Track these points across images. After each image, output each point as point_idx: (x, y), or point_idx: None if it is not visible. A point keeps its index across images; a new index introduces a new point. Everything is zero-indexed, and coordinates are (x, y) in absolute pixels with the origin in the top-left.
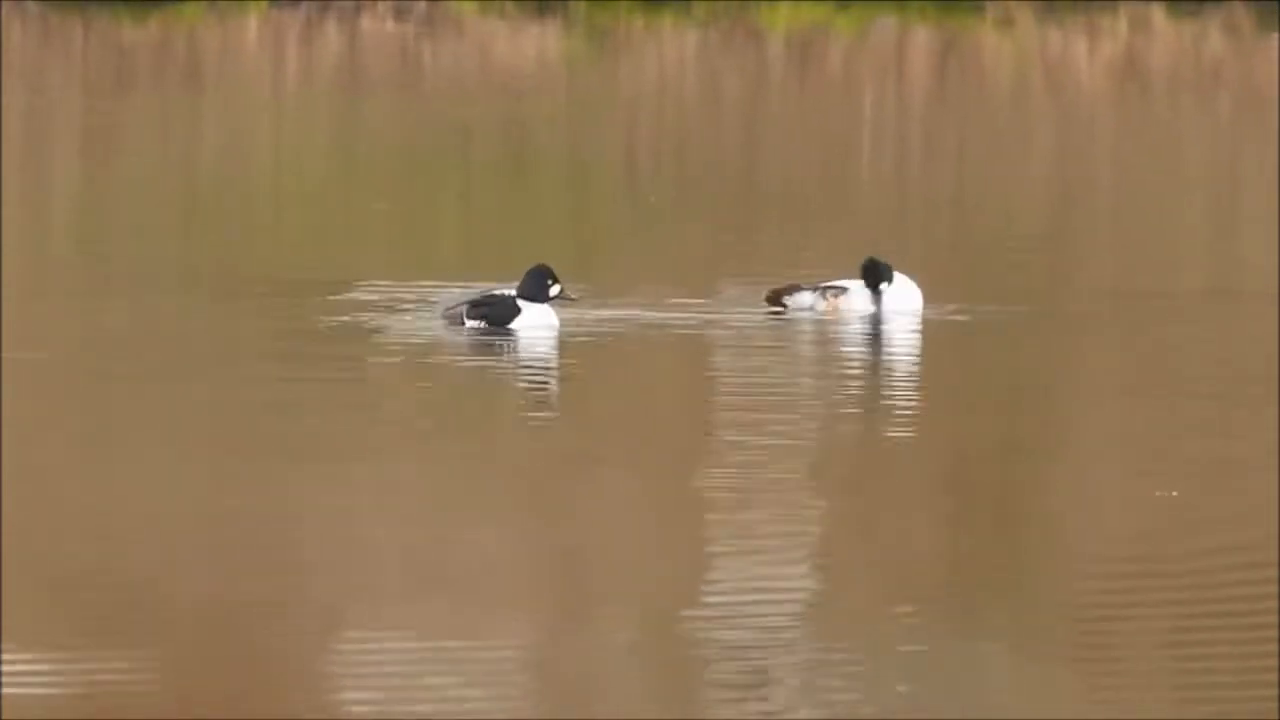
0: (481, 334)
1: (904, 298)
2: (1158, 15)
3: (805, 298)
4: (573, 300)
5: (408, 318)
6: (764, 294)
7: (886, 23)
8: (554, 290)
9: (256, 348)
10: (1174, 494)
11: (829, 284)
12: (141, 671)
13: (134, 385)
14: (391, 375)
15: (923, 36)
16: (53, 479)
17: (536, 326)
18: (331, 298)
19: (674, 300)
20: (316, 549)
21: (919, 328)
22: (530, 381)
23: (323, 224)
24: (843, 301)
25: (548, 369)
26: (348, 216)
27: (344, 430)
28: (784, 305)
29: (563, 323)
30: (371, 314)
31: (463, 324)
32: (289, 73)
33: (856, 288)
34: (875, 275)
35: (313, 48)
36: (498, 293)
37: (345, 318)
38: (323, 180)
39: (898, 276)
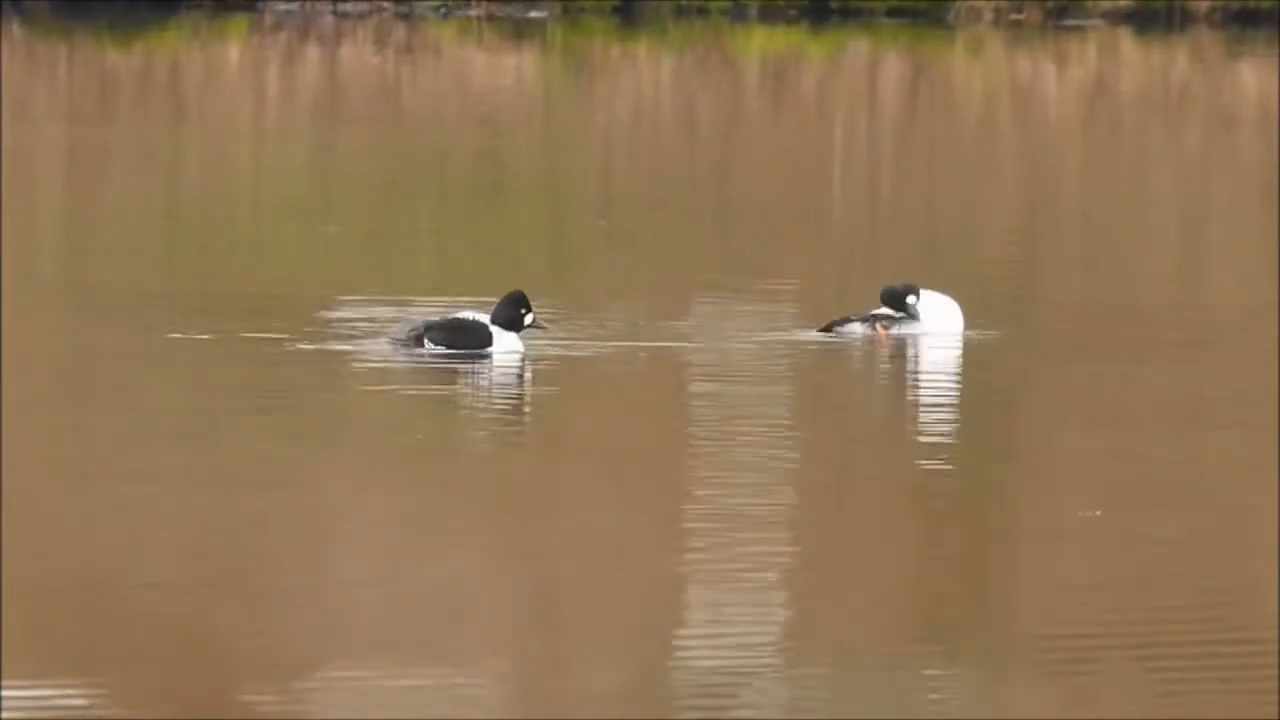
0: (444, 358)
1: (943, 318)
2: (1126, 41)
3: (856, 328)
4: (544, 329)
5: (378, 340)
6: (819, 326)
7: (859, 48)
8: (528, 319)
9: (231, 374)
10: (1097, 513)
11: (878, 313)
12: (106, 699)
13: (108, 412)
14: (358, 401)
15: (894, 62)
16: (27, 505)
17: (504, 353)
18: (305, 320)
19: (646, 322)
20: (283, 579)
21: (959, 348)
22: (500, 409)
23: (301, 247)
24: (896, 327)
25: (518, 396)
26: (325, 240)
27: (314, 458)
28: (834, 332)
29: (532, 346)
30: (343, 337)
31: (420, 346)
32: (270, 98)
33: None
34: (895, 300)
35: (293, 74)
36: (463, 315)
37: (316, 340)
38: (302, 204)
39: (935, 296)
